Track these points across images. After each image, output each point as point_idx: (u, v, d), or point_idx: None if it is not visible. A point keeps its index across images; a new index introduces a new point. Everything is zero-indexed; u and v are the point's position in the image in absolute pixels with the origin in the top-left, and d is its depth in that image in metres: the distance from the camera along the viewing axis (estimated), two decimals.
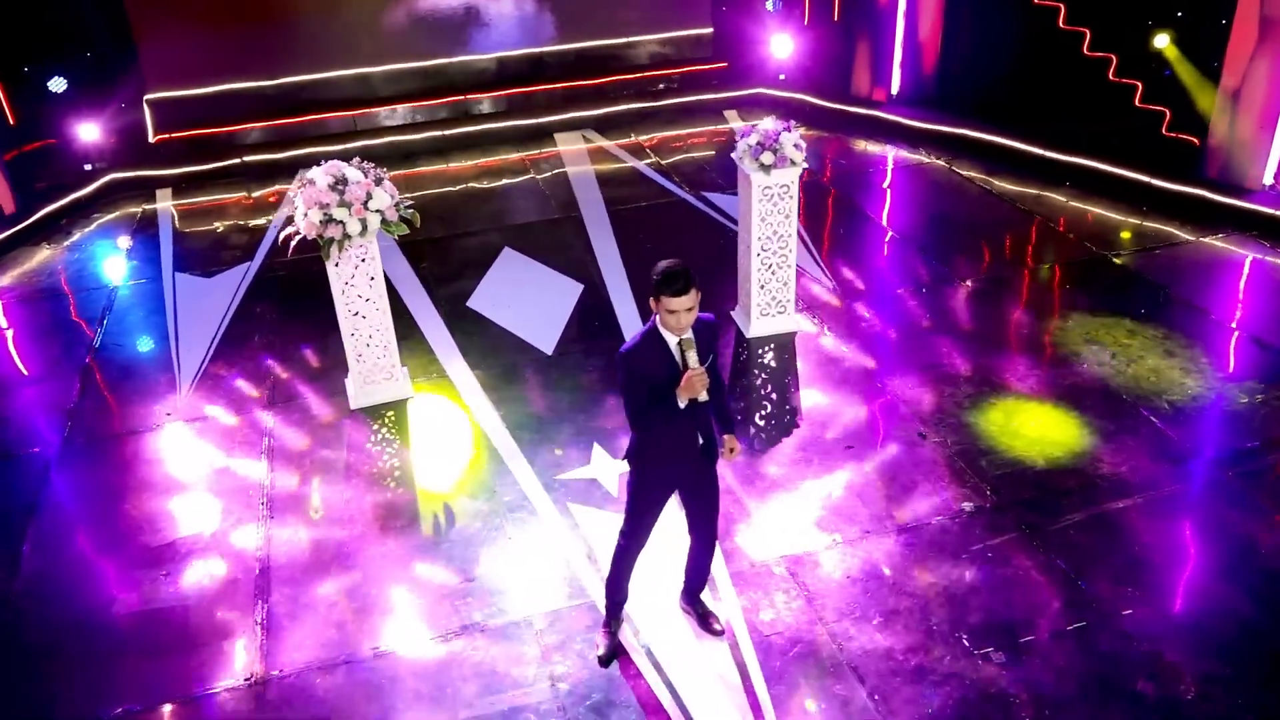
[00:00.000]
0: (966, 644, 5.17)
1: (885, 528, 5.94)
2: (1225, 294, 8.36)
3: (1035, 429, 6.74)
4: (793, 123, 7.48)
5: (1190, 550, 5.73)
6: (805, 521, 6.03)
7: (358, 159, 6.92)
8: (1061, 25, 10.98)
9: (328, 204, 6.61)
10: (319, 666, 5.24)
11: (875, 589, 5.53)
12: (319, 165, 6.83)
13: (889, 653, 5.14)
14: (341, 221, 6.64)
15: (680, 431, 4.61)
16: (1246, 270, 8.72)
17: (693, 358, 4.42)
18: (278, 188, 11.19)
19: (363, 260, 6.94)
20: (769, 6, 13.06)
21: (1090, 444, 6.58)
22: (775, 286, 7.83)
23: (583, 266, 9.12)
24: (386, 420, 7.15)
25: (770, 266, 7.74)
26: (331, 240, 6.69)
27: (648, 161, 11.39)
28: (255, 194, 11.09)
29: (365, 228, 6.72)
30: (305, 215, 6.66)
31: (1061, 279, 8.71)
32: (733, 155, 7.63)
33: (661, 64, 13.07)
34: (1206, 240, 9.13)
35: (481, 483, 6.50)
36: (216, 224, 10.40)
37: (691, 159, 11.47)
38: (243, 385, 7.61)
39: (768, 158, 7.27)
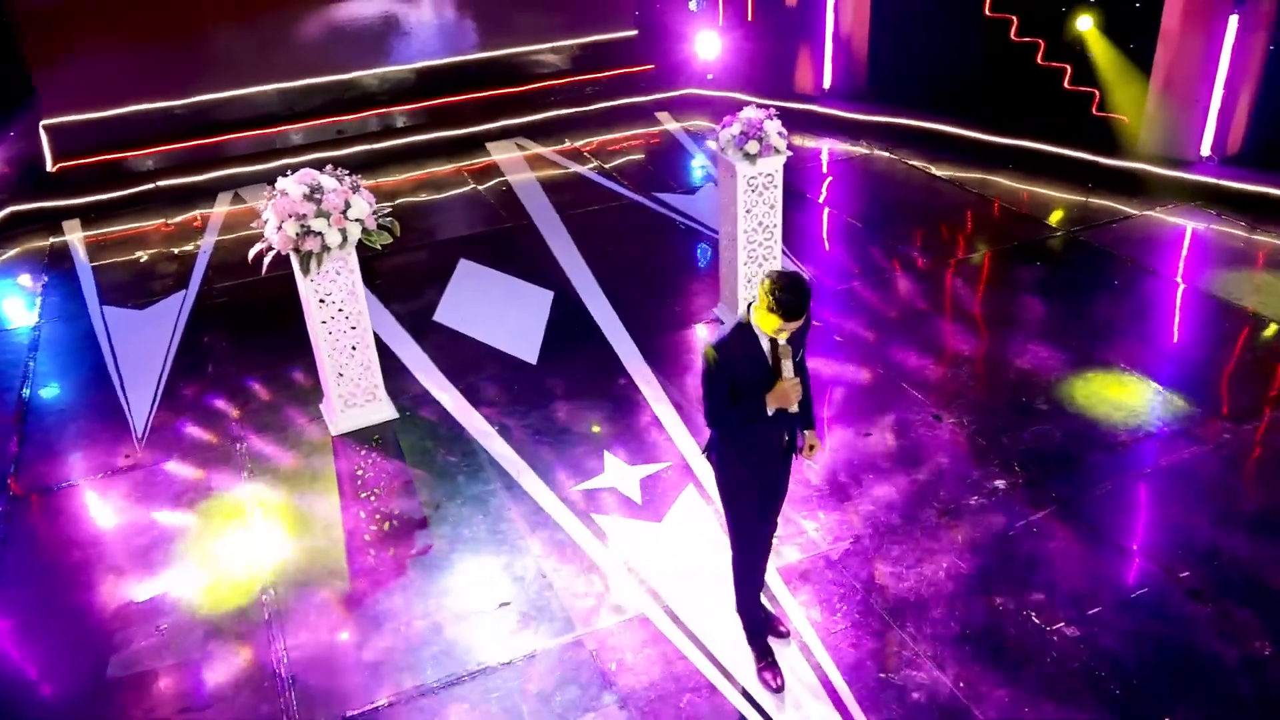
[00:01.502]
0: (1037, 621, 5.04)
1: (924, 512, 5.79)
2: (1191, 260, 8.58)
3: (1045, 403, 6.71)
4: (772, 111, 7.34)
5: (1229, 505, 5.75)
6: (842, 511, 5.84)
7: (330, 165, 6.44)
8: (988, 13, 11.20)
9: (304, 215, 6.13)
10: (360, 714, 4.77)
11: (930, 574, 5.37)
12: (286, 175, 6.33)
13: (961, 638, 4.98)
14: (320, 233, 6.17)
15: (763, 429, 4.34)
16: (1188, 237, 8.97)
17: (788, 367, 4.16)
18: (199, 212, 10.50)
19: (339, 273, 6.47)
20: (691, 6, 12.97)
21: (1103, 413, 6.59)
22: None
23: (547, 273, 8.78)
24: (375, 444, 6.68)
25: (757, 259, 7.56)
26: (310, 254, 6.21)
27: (590, 166, 11.11)
28: (175, 220, 10.37)
29: (345, 238, 6.26)
30: (280, 228, 6.16)
31: (1029, 257, 8.79)
32: (713, 146, 7.44)
33: (587, 68, 12.82)
34: (1153, 213, 9.37)
35: (494, 501, 6.10)
36: (139, 253, 9.66)
37: (634, 161, 11.25)
38: (205, 420, 7.01)
39: (753, 146, 7.09)
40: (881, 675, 4.81)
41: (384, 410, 6.91)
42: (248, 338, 8.03)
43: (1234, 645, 4.86)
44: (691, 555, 5.60)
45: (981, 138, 10.85)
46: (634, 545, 5.68)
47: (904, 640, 4.98)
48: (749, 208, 7.34)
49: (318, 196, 6.18)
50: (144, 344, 7.99)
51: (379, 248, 6.48)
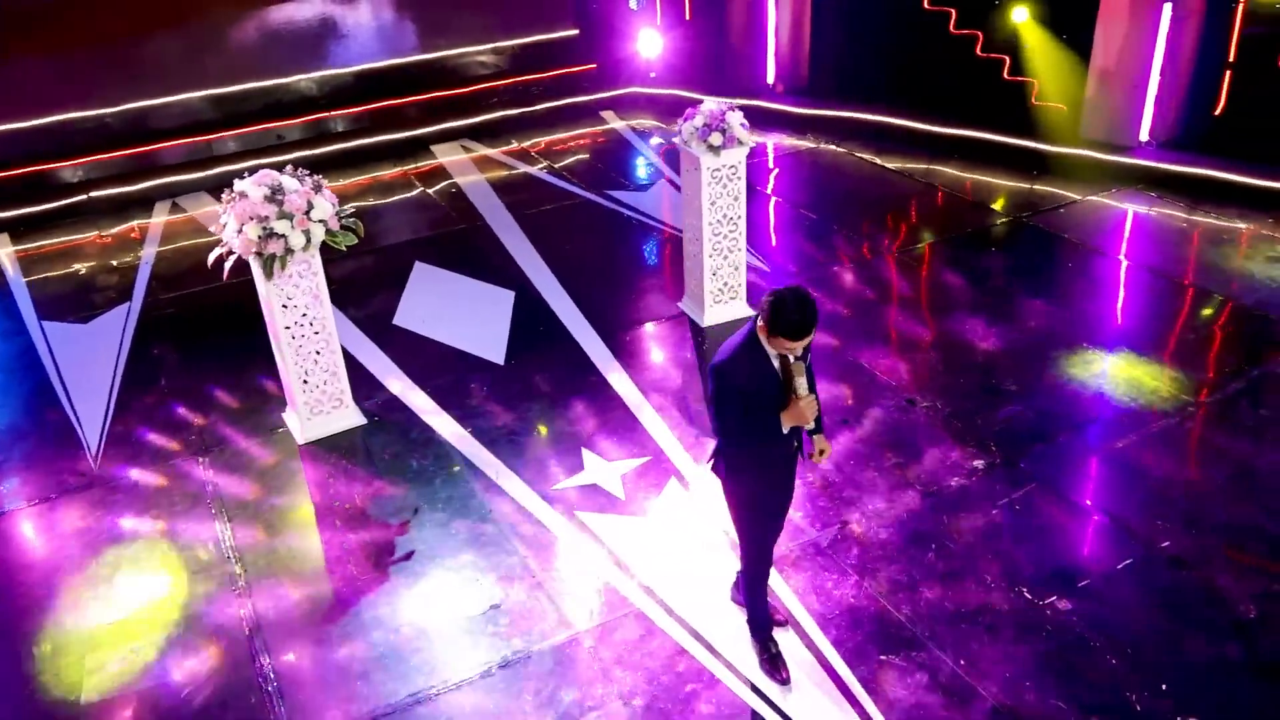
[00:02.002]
0: (1029, 596, 5.09)
1: (907, 495, 5.82)
2: (1139, 241, 8.79)
3: (1014, 383, 6.80)
4: (734, 103, 7.33)
5: (1200, 474, 5.87)
6: (828, 498, 5.84)
7: (290, 166, 6.26)
8: (927, 6, 11.37)
9: (266, 216, 5.94)
10: None
11: (919, 555, 5.39)
12: (244, 178, 6.12)
13: (957, 616, 5.00)
14: (283, 235, 5.98)
15: (779, 443, 4.21)
16: (1129, 219, 9.19)
17: (802, 384, 4.02)
18: (136, 223, 10.17)
19: (302, 276, 6.28)
20: (632, 5, 12.94)
21: (1070, 391, 6.71)
22: (727, 272, 7.64)
23: (506, 273, 8.66)
24: (345, 452, 6.50)
25: (722, 251, 7.54)
26: (273, 257, 6.02)
27: (540, 166, 11.01)
28: (111, 231, 10.02)
29: (309, 240, 6.08)
30: (240, 232, 5.96)
31: (983, 243, 8.93)
32: (658, 143, 7.41)
33: (529, 68, 12.70)
34: (1097, 197, 9.59)
35: (474, 504, 5.97)
36: (76, 266, 9.31)
37: (583, 160, 11.18)
38: (163, 434, 6.75)
39: (716, 138, 7.08)
40: (882, 658, 4.80)
41: (351, 417, 6.74)
42: (201, 348, 7.77)
43: (1220, 610, 4.95)
44: (680, 549, 5.54)
45: (926, 129, 11.01)
46: (621, 541, 5.61)
47: (900, 623, 4.98)
48: (713, 200, 7.32)
49: (279, 198, 5.99)
50: (90, 359, 7.69)
51: (344, 249, 6.31)
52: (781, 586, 5.23)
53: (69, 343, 7.94)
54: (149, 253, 9.47)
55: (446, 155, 11.45)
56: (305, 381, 6.50)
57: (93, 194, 10.52)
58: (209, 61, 11.18)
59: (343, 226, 6.25)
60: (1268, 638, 4.79)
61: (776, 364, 4.04)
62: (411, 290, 8.48)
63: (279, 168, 6.20)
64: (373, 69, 12.06)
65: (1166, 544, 5.36)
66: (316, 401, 6.59)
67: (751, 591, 4.73)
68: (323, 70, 11.81)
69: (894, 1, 11.57)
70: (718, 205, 7.36)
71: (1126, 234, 8.96)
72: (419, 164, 11.29)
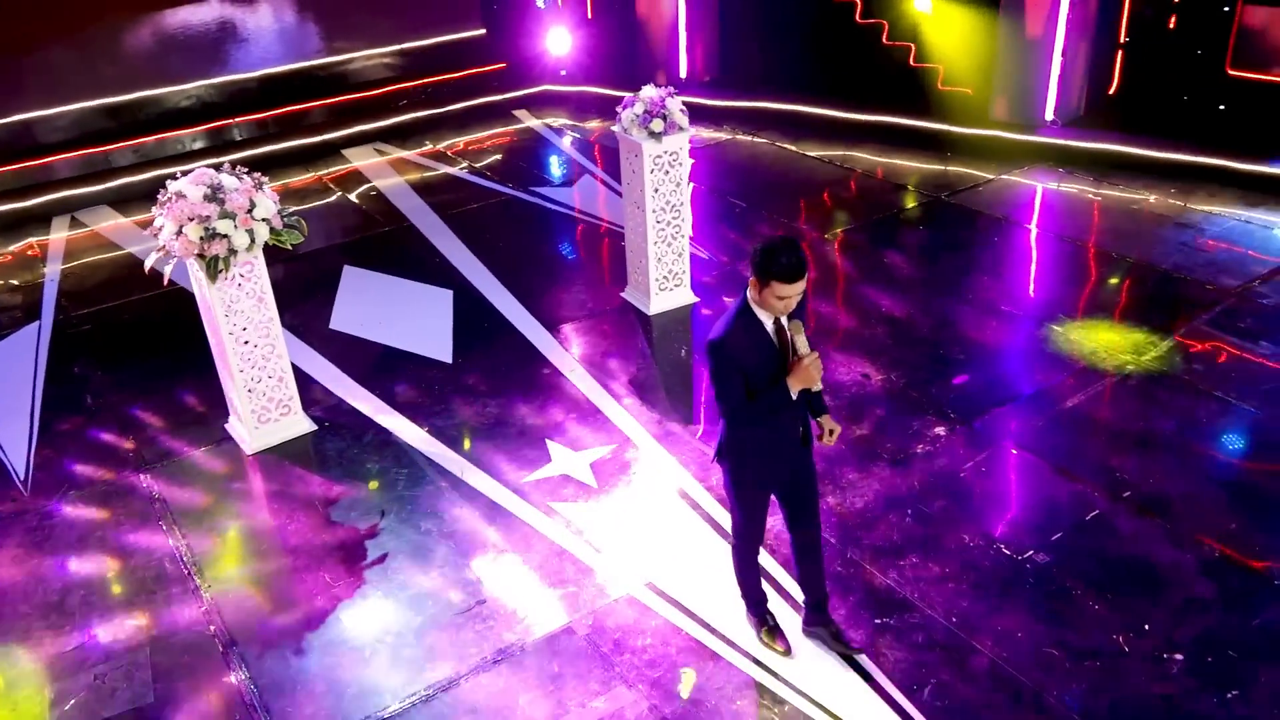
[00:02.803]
0: (1007, 552, 5.22)
1: (877, 465, 5.91)
2: (1055, 214, 9.14)
3: (961, 353, 6.98)
4: (672, 89, 7.35)
5: (1146, 427, 6.11)
6: None
7: (228, 164, 6.00)
8: None
9: (207, 216, 5.68)
10: None
11: (897, 521, 5.47)
12: (177, 178, 5.84)
13: (942, 577, 5.09)
14: (226, 235, 5.73)
15: (781, 421, 4.12)
16: (1039, 194, 9.56)
17: (803, 342, 3.96)
18: (34, 240, 9.63)
19: (246, 278, 6.03)
20: (539, 3, 12.86)
21: (1016, 355, 6.92)
22: (671, 259, 7.63)
23: (441, 272, 8.50)
24: (298, 459, 6.25)
25: (666, 239, 7.54)
26: (216, 258, 5.76)
27: (461, 166, 10.84)
28: (8, 250, 9.46)
29: (253, 239, 5.84)
30: (179, 234, 5.68)
31: (909, 222, 9.15)
32: (614, 129, 7.39)
33: (439, 69, 12.49)
34: (1010, 176, 9.93)
35: (443, 502, 5.81)
36: None
37: (503, 159, 11.06)
38: (96, 454, 6.39)
39: (658, 125, 7.08)
40: (877, 621, 4.86)
41: (300, 423, 6.49)
42: (125, 363, 7.40)
43: (1187, 551, 5.16)
44: (662, 530, 5.51)
45: (840, 116, 11.24)
46: (601, 527, 5.54)
47: (890, 586, 5.05)
48: (656, 186, 7.31)
49: (220, 196, 5.74)
50: (2, 381, 7.23)
51: (290, 247, 6.09)
52: (769, 561, 5.24)
53: None
54: (53, 270, 8.97)
55: (360, 159, 11.18)
56: (250, 391, 6.23)
57: None
58: (102, 69, 10.66)
59: (286, 225, 6.03)
60: (1234, 574, 5.01)
61: (772, 332, 3.98)
62: (344, 294, 8.24)
63: (217, 168, 5.94)
64: (275, 74, 11.70)
65: (1128, 494, 5.57)
66: (263, 409, 6.33)
67: (739, 568, 4.70)
68: (223, 76, 11.39)
69: None
70: (661, 192, 7.35)
71: (1041, 208, 9.31)
72: (332, 169, 10.99)
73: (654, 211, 7.39)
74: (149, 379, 7.14)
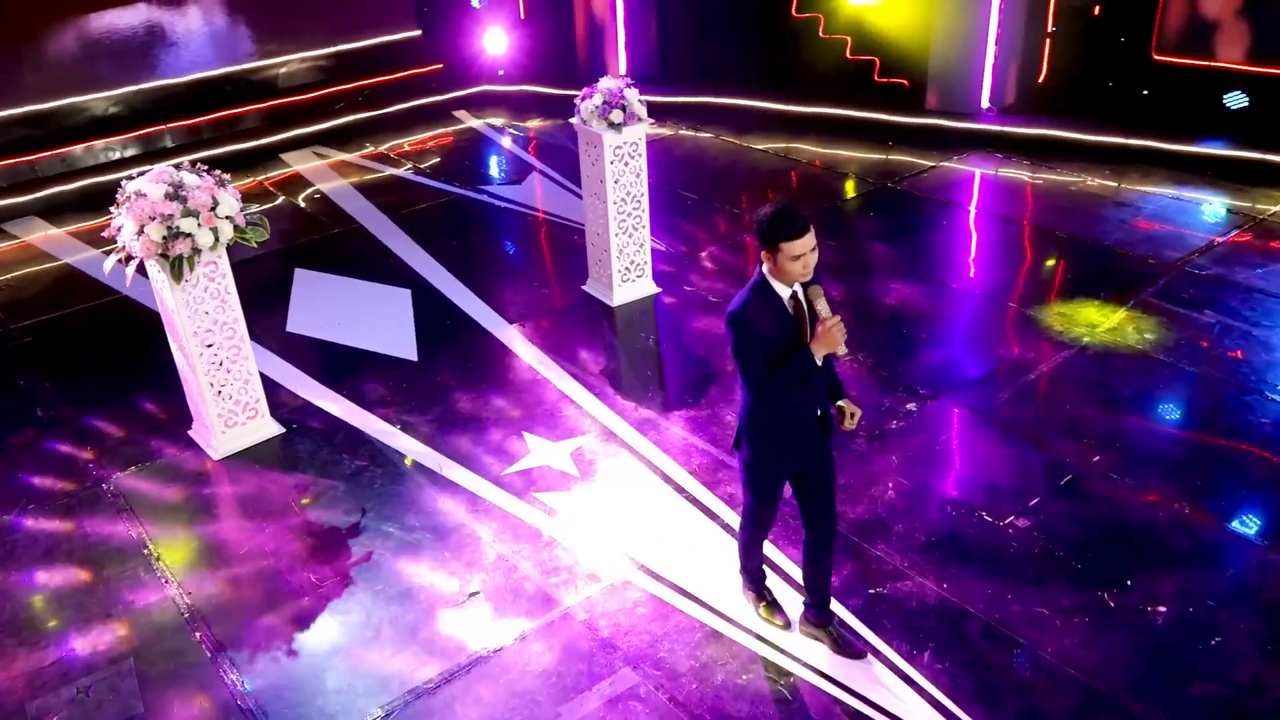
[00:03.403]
0: (989, 519, 5.34)
1: (855, 442, 5.99)
2: (998, 197, 9.39)
3: (923, 331, 7.13)
4: (629, 79, 7.37)
5: (1108, 395, 6.31)
6: None
7: (187, 162, 5.86)
8: None
9: (170, 215, 5.53)
10: None
11: (879, 495, 5.56)
12: (136, 177, 5.68)
13: (929, 545, 5.19)
14: (189, 234, 5.58)
15: (800, 401, 4.06)
16: (978, 179, 9.82)
17: (824, 307, 3.93)
18: None
19: (210, 279, 5.88)
20: (474, 3, 12.78)
21: (978, 332, 7.09)
22: (633, 250, 7.65)
23: (396, 272, 8.39)
24: (269, 462, 6.12)
25: (627, 230, 7.55)
26: (180, 258, 5.61)
27: (406, 168, 10.72)
28: None
29: (217, 238, 5.70)
30: (140, 234, 5.52)
31: (859, 208, 9.32)
32: (572, 121, 7.39)
33: (375, 71, 12.31)
34: (950, 163, 10.17)
35: (423, 497, 5.74)
36: None
37: (448, 159, 10.97)
38: (53, 468, 6.16)
39: (618, 115, 7.10)
40: (871, 592, 4.93)
41: (268, 426, 6.35)
42: (75, 373, 7.16)
43: (1158, 510, 5.35)
44: (648, 515, 5.52)
45: (781, 108, 11.39)
46: (586, 514, 5.53)
47: (879, 558, 5.13)
48: (617, 178, 7.33)
49: (182, 194, 5.60)
50: None
51: (255, 245, 5.97)
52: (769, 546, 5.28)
53: None
54: None
55: (301, 163, 10.97)
56: (219, 393, 6.08)
57: None
58: (25, 75, 10.29)
59: (250, 222, 5.90)
60: (1203, 529, 5.21)
61: (789, 303, 3.97)
62: (299, 297, 8.08)
63: (177, 166, 5.79)
64: (206, 78, 11.41)
65: (1097, 459, 5.75)
66: (230, 412, 6.18)
67: (744, 550, 4.69)
68: (152, 81, 11.07)
69: None
70: (621, 183, 7.37)
71: (984, 192, 9.56)
72: (272, 173, 10.76)
73: (615, 203, 7.40)
74: (102, 389, 6.92)
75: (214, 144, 11.08)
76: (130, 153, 10.82)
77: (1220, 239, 8.20)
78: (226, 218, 5.72)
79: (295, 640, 4.82)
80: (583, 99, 7.24)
